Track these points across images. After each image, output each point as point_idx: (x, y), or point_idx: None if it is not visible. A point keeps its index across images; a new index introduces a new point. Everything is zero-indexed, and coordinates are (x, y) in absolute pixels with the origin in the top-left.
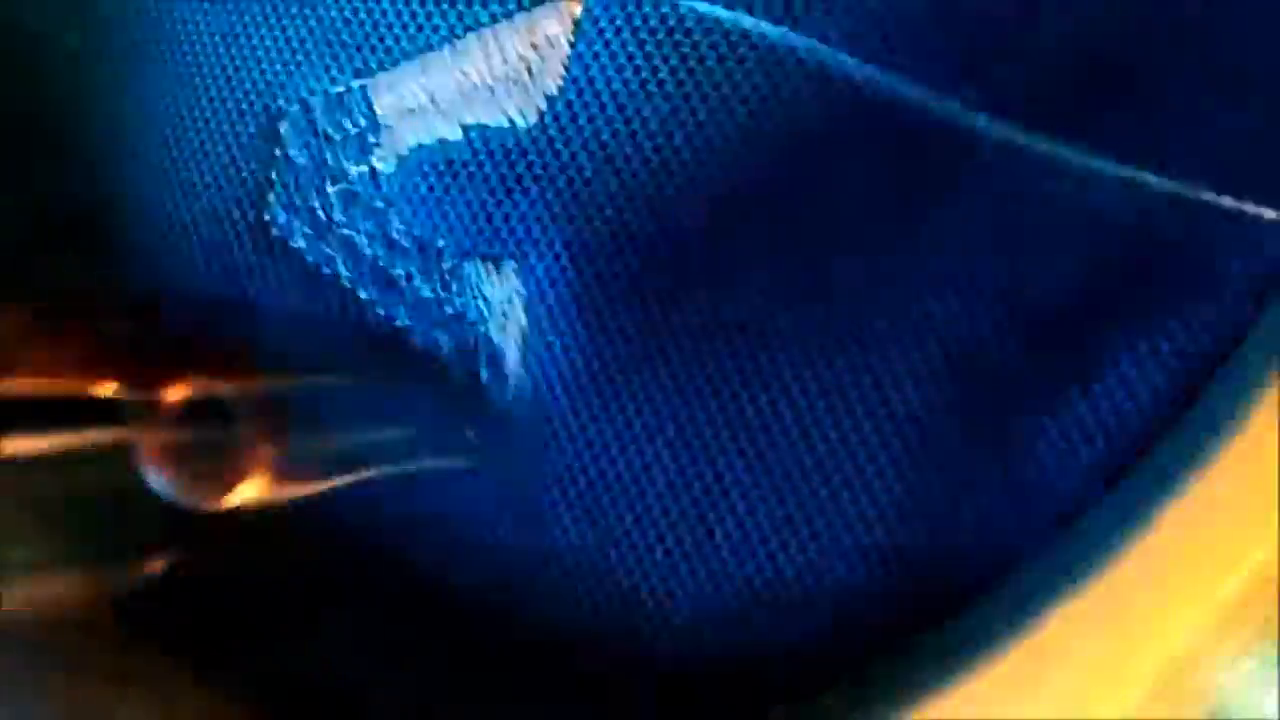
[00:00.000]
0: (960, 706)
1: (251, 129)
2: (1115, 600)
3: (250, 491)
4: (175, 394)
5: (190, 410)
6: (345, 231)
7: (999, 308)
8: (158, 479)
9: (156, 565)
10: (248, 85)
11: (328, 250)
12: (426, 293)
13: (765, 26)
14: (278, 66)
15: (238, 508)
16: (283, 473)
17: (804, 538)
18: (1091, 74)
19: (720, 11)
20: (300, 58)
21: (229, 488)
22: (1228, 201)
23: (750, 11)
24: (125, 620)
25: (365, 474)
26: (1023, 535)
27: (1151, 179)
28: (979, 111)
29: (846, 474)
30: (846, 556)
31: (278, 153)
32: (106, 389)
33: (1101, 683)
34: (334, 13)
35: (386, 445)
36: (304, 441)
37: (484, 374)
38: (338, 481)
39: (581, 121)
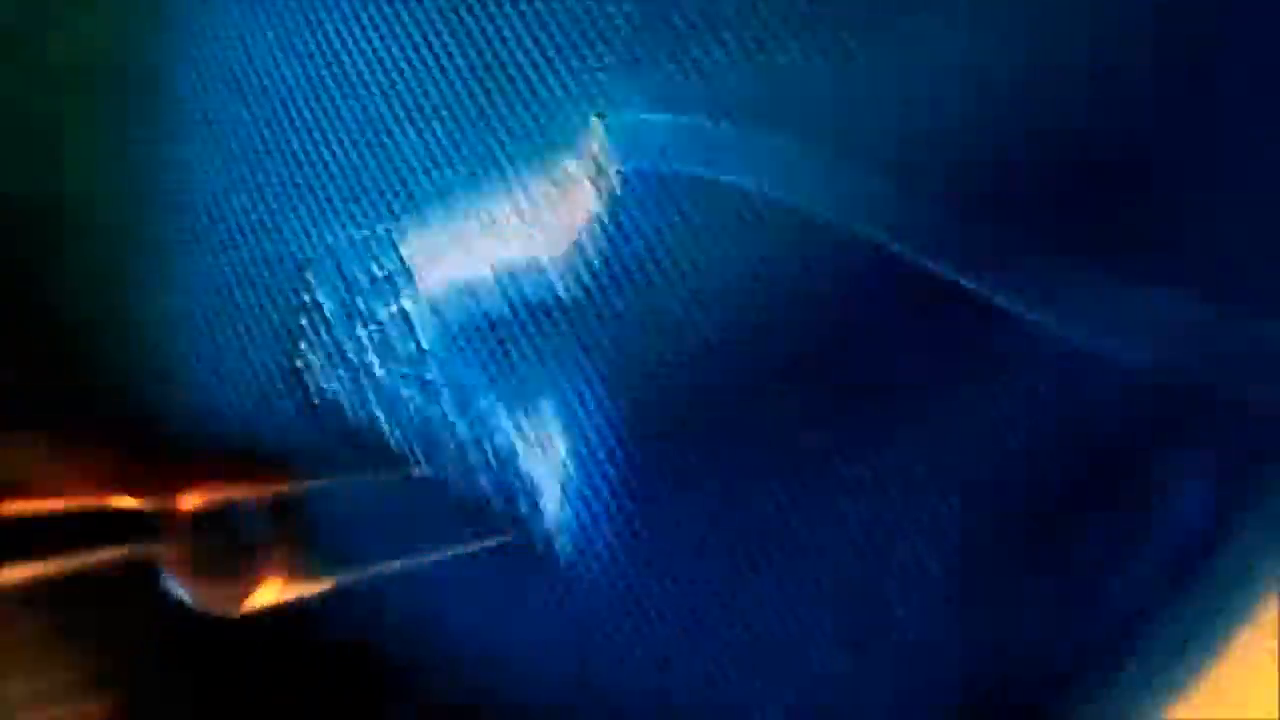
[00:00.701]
0: None
1: (280, 277)
2: None
3: (268, 595)
4: (189, 503)
5: (205, 519)
6: (379, 374)
7: (1047, 448)
8: (178, 588)
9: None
10: (275, 234)
11: (362, 395)
12: (463, 433)
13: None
14: (303, 215)
15: (255, 615)
16: (297, 575)
17: (859, 664)
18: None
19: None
20: (324, 205)
21: (248, 592)
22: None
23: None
24: None
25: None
26: (1078, 655)
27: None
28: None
29: (900, 600)
30: (903, 682)
31: (307, 299)
32: (122, 502)
33: None
34: (355, 159)
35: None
36: (317, 545)
37: (523, 514)
38: (349, 579)
39: (610, 260)
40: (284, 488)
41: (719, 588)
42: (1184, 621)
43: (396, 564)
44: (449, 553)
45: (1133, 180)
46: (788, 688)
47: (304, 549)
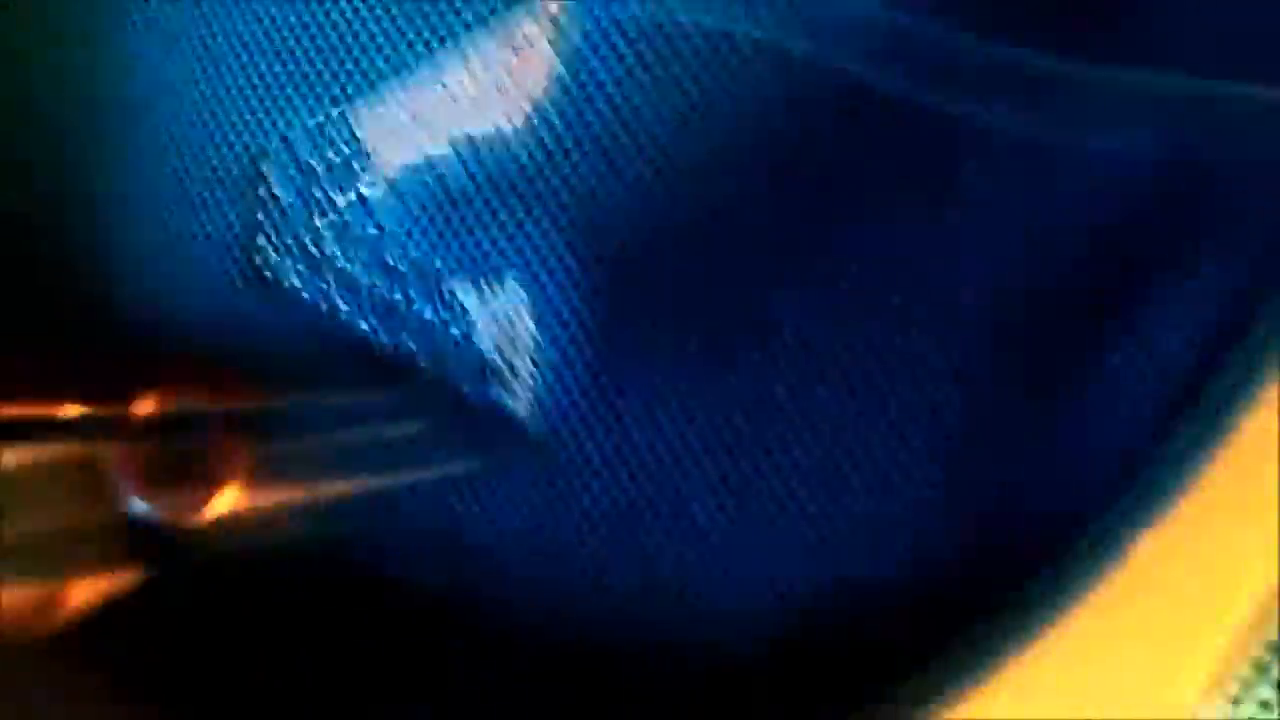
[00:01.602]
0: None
1: (235, 172)
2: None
3: (227, 502)
4: (143, 408)
5: (161, 424)
6: (340, 264)
7: (1027, 269)
8: (131, 495)
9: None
10: (226, 128)
11: (324, 285)
12: (429, 316)
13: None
14: (254, 105)
15: (218, 525)
16: (260, 481)
17: (854, 526)
18: None
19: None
20: (276, 93)
21: (205, 500)
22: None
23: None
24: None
25: (356, 482)
26: (1081, 493)
27: (1178, 82)
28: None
29: (891, 454)
30: (900, 538)
31: (263, 192)
32: (73, 409)
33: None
34: (306, 44)
35: (380, 451)
36: (281, 448)
37: (495, 393)
38: (321, 489)
39: (573, 123)
40: (245, 394)
41: (698, 455)
42: (1177, 450)
43: (373, 478)
44: (422, 470)
45: None
46: (775, 555)
47: (267, 456)
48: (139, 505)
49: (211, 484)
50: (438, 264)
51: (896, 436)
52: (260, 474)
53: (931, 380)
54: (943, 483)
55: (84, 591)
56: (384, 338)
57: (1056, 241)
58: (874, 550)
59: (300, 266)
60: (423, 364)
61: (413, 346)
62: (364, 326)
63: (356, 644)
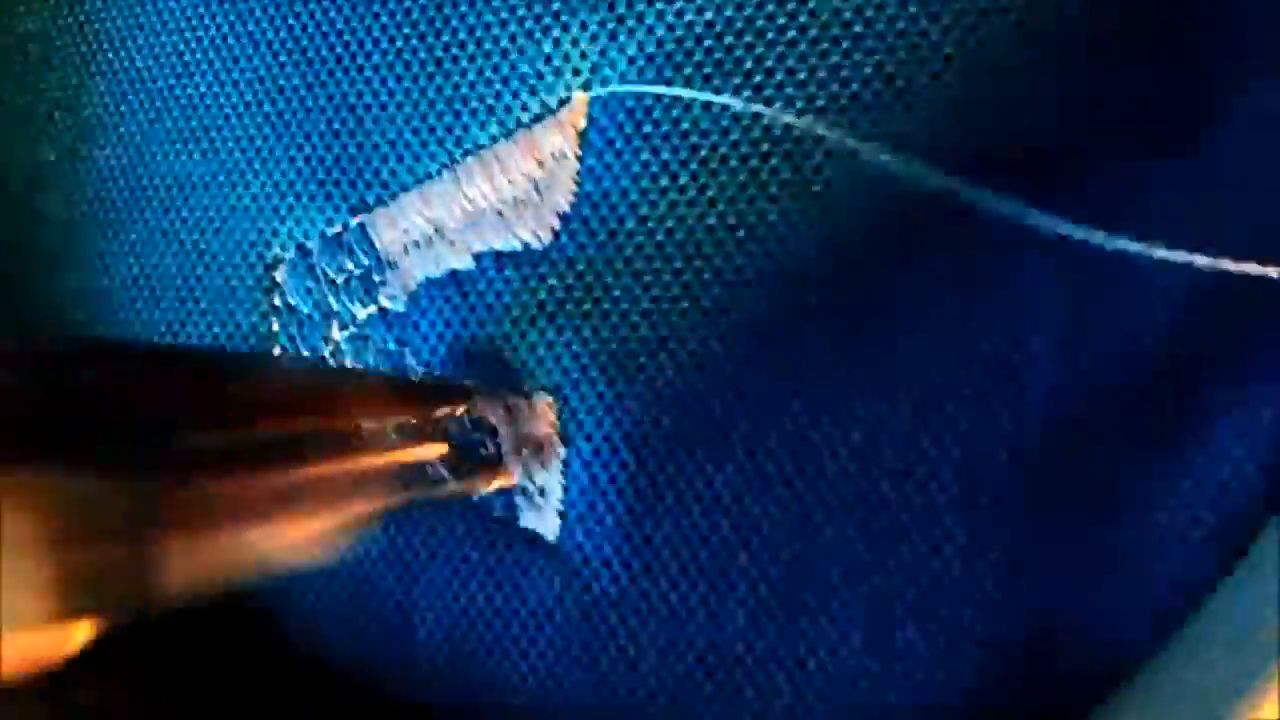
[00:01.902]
0: None
1: (249, 280)
2: None
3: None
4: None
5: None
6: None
7: (1093, 374)
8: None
9: None
10: (238, 235)
11: None
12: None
13: (788, 116)
14: (268, 213)
15: None
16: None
17: (901, 651)
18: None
19: (733, 102)
20: (291, 200)
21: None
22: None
23: (770, 103)
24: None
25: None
26: (1142, 616)
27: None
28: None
29: (944, 572)
30: (952, 660)
31: (278, 302)
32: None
33: None
34: (322, 150)
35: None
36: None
37: (530, 520)
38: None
39: (601, 236)
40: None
41: (733, 577)
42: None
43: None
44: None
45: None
46: (808, 659)
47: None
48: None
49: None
50: (453, 371)
51: (947, 549)
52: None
53: (984, 490)
54: (996, 599)
55: None
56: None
57: (1124, 349)
58: (921, 670)
59: None
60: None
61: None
62: None
63: None
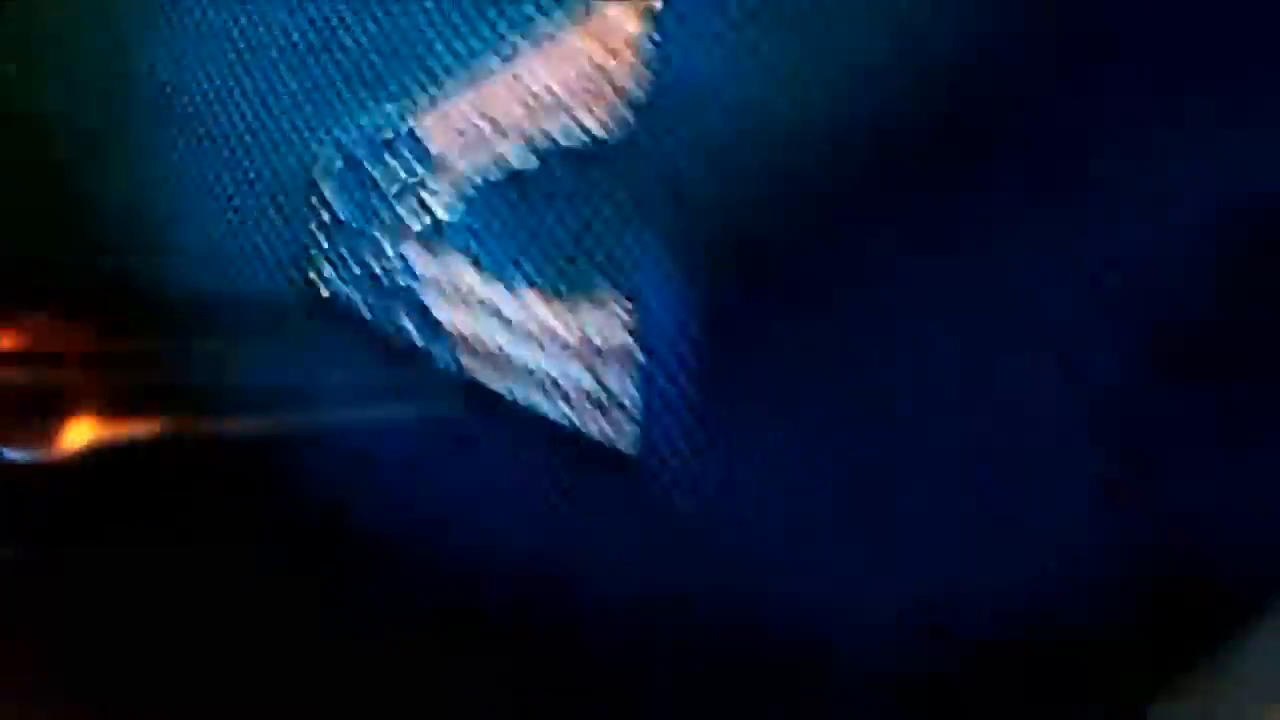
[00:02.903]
0: None
1: (294, 192)
2: None
3: (79, 435)
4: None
5: (15, 360)
6: (405, 281)
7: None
8: None
9: None
10: (277, 136)
11: (387, 304)
12: (520, 351)
13: None
14: (306, 110)
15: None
16: (113, 412)
17: (994, 545)
18: None
19: None
20: (331, 96)
21: (55, 432)
22: None
23: None
24: None
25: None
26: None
27: None
28: None
29: (1048, 469)
30: (1057, 558)
31: (326, 216)
32: None
33: None
34: (361, 40)
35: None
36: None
37: (595, 425)
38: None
39: (681, 125)
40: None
41: (819, 485)
42: None
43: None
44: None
45: None
46: (906, 578)
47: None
48: None
49: (65, 417)
50: (524, 283)
51: (1039, 453)
52: (116, 408)
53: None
54: (1109, 506)
55: None
56: (460, 360)
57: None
58: (1001, 574)
59: (362, 285)
60: (499, 389)
61: (505, 387)
62: (436, 349)
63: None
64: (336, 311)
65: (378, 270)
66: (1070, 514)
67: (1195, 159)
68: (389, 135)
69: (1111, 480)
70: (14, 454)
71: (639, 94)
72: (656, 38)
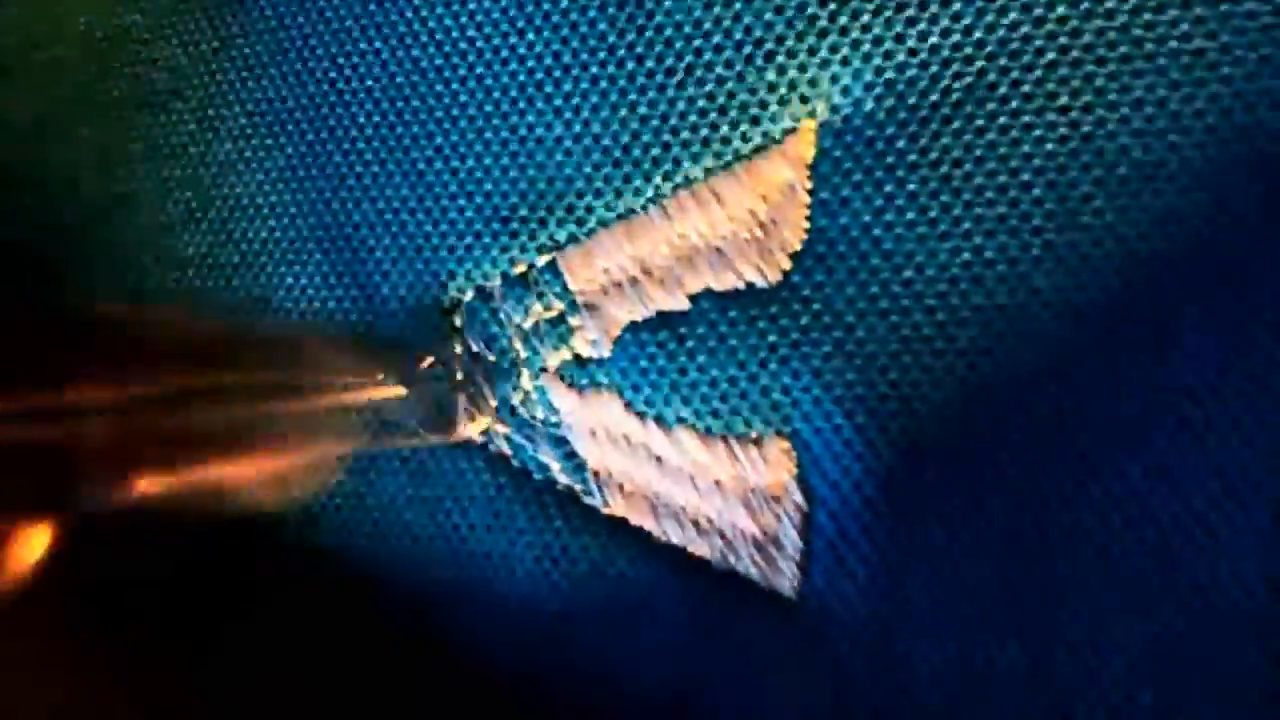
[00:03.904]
0: None
1: (427, 327)
2: None
3: (148, 484)
4: (70, 394)
5: (85, 409)
6: (552, 427)
7: None
8: (58, 477)
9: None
10: (410, 279)
11: (531, 445)
12: (671, 490)
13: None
14: (443, 253)
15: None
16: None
17: (1181, 701)
18: None
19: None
20: (471, 239)
21: (127, 481)
22: None
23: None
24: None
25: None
26: None
27: None
28: None
29: (1234, 613)
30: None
31: (458, 349)
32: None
33: None
34: (505, 186)
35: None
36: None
37: (758, 573)
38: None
39: (840, 273)
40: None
41: (984, 616)
42: None
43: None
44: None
45: None
46: (1079, 709)
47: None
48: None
49: (134, 466)
50: (672, 424)
51: (1199, 598)
52: (182, 453)
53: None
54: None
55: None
56: (605, 498)
57: None
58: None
59: (511, 434)
60: (658, 537)
61: (658, 528)
62: (591, 500)
63: None
64: (477, 456)
65: (522, 413)
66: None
67: None
68: (527, 272)
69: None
70: (82, 498)
71: (796, 244)
72: (814, 190)
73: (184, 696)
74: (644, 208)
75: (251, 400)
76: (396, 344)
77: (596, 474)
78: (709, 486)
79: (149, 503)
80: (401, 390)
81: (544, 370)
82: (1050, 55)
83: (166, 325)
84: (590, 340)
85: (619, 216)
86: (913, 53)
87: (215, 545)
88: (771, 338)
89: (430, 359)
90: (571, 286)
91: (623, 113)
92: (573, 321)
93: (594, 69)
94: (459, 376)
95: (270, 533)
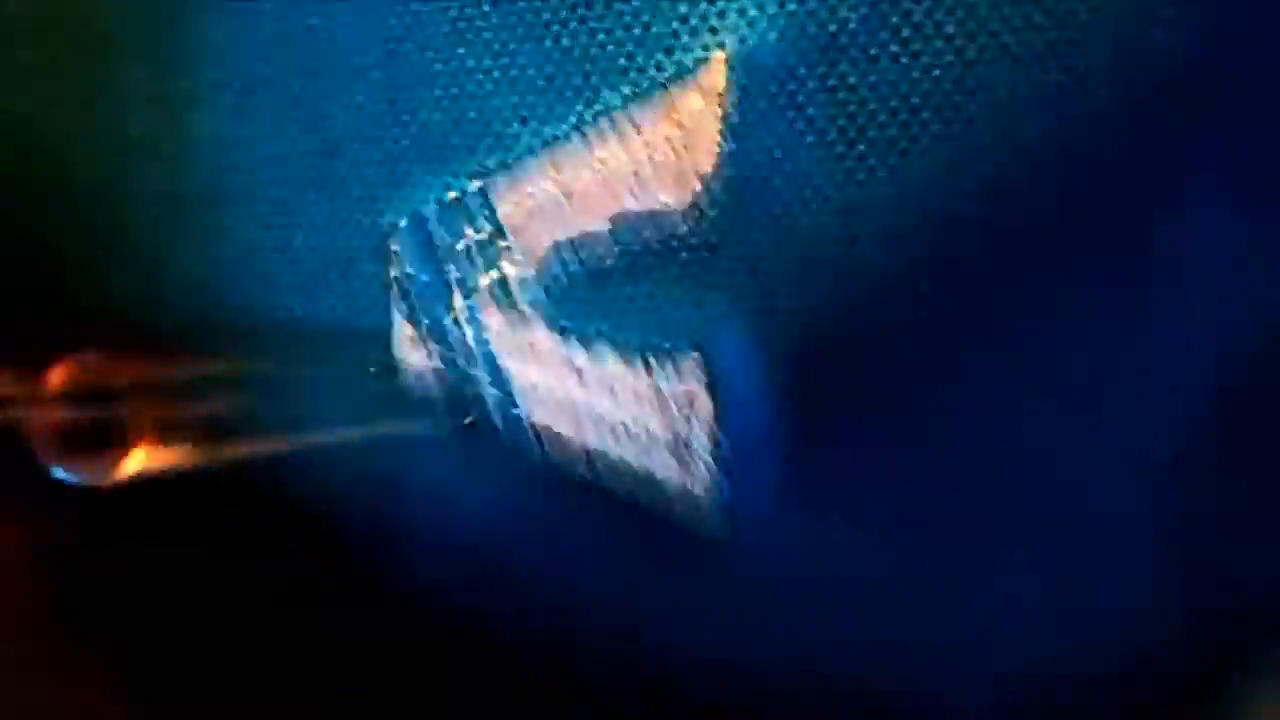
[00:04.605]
0: None
1: (365, 252)
2: None
3: (137, 463)
4: (57, 376)
5: (74, 392)
6: (483, 346)
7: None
8: (48, 458)
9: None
10: (349, 207)
11: (462, 365)
12: (596, 404)
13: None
14: (381, 183)
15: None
16: (165, 441)
17: (1078, 608)
18: None
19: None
20: (406, 167)
21: (117, 461)
22: None
23: None
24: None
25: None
26: None
27: None
28: None
29: (1109, 534)
30: (1117, 624)
31: (395, 273)
32: None
33: None
34: (437, 115)
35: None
36: (189, 410)
37: (674, 476)
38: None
39: (747, 194)
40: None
41: (900, 538)
42: None
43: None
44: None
45: None
46: (985, 648)
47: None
48: (58, 469)
49: (122, 446)
50: (600, 344)
51: (1107, 518)
52: (168, 435)
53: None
54: (1161, 572)
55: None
56: (531, 414)
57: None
58: (1090, 634)
59: (443, 351)
60: (578, 443)
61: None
62: (517, 412)
63: None
64: (411, 376)
65: (448, 325)
66: (1142, 579)
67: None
68: (459, 198)
69: (1180, 548)
70: (71, 477)
71: (707, 167)
72: (725, 117)
73: (173, 694)
74: (566, 135)
75: (234, 389)
76: (341, 267)
77: (520, 387)
78: (626, 395)
79: (136, 492)
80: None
81: (474, 290)
82: None
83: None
84: (516, 262)
85: (544, 144)
86: None
87: (202, 536)
88: (683, 256)
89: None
90: (500, 210)
91: (546, 44)
92: (501, 244)
93: (520, 3)
94: (399, 299)
95: (235, 521)
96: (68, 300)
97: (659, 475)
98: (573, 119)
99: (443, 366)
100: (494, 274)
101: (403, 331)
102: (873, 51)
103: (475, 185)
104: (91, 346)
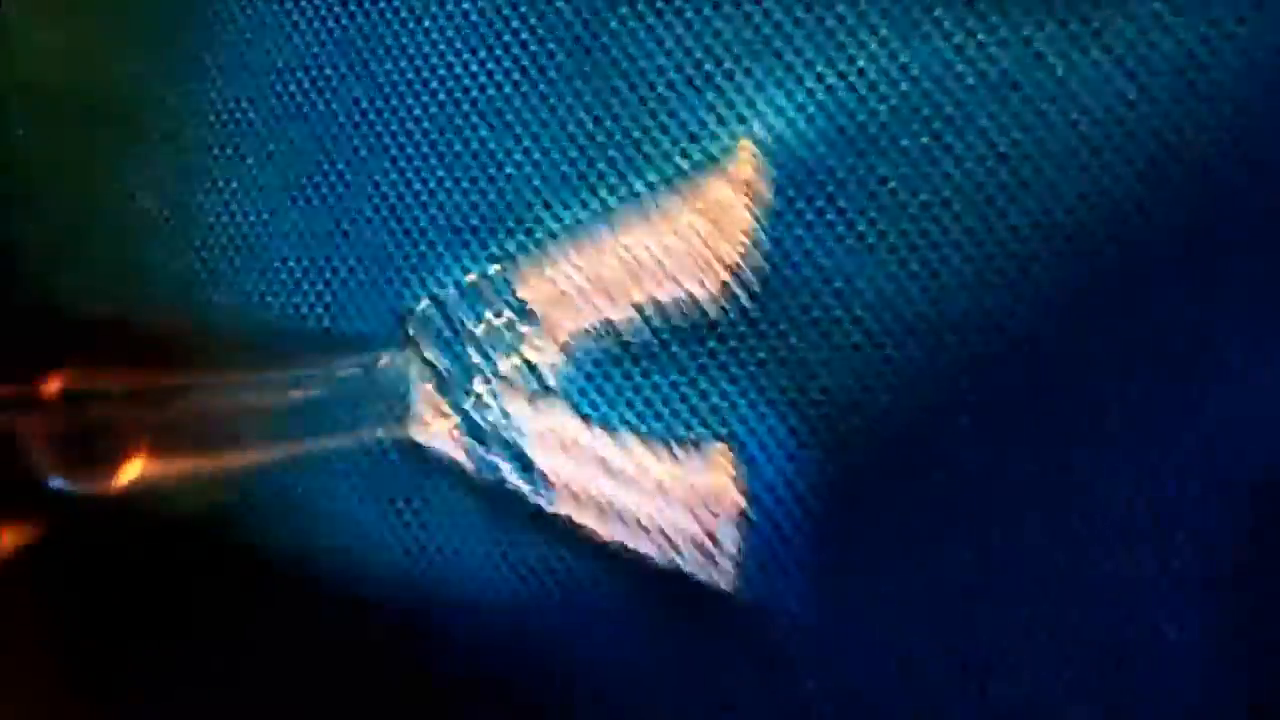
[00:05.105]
0: None
1: (383, 334)
2: None
3: (133, 471)
4: (53, 385)
5: (70, 400)
6: (505, 432)
7: None
8: (43, 466)
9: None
10: (367, 288)
11: (484, 450)
12: (622, 496)
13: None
14: (399, 263)
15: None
16: (162, 450)
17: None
18: None
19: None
20: (425, 249)
21: (114, 469)
22: None
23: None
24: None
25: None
26: None
27: None
28: None
29: (1170, 643)
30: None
31: (413, 355)
32: None
33: None
34: (458, 199)
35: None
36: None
37: (699, 571)
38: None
39: (775, 285)
40: (149, 372)
41: (921, 625)
42: None
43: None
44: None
45: None
46: None
47: (169, 427)
48: (50, 475)
49: (118, 455)
50: (626, 435)
51: (1144, 624)
52: (163, 443)
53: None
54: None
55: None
56: (556, 504)
57: None
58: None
59: (465, 437)
60: (604, 536)
61: (601, 529)
62: (543, 505)
63: None
64: (432, 458)
65: (470, 409)
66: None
67: None
68: (478, 281)
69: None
70: (67, 486)
71: (735, 257)
72: (752, 206)
73: (156, 699)
74: (591, 221)
75: (214, 396)
76: (355, 345)
77: (545, 475)
78: (652, 488)
79: (122, 498)
80: (358, 385)
81: (496, 375)
82: (970, 81)
83: (135, 325)
84: (539, 347)
85: (568, 229)
86: (842, 76)
87: (183, 544)
88: (711, 344)
89: (387, 358)
90: (522, 295)
91: (571, 131)
92: (523, 329)
93: (545, 90)
94: (415, 381)
95: (229, 531)
96: (62, 312)
97: (685, 570)
98: (597, 205)
99: (465, 451)
100: (516, 359)
101: (422, 412)
102: (904, 143)
103: (496, 269)
104: (85, 356)
